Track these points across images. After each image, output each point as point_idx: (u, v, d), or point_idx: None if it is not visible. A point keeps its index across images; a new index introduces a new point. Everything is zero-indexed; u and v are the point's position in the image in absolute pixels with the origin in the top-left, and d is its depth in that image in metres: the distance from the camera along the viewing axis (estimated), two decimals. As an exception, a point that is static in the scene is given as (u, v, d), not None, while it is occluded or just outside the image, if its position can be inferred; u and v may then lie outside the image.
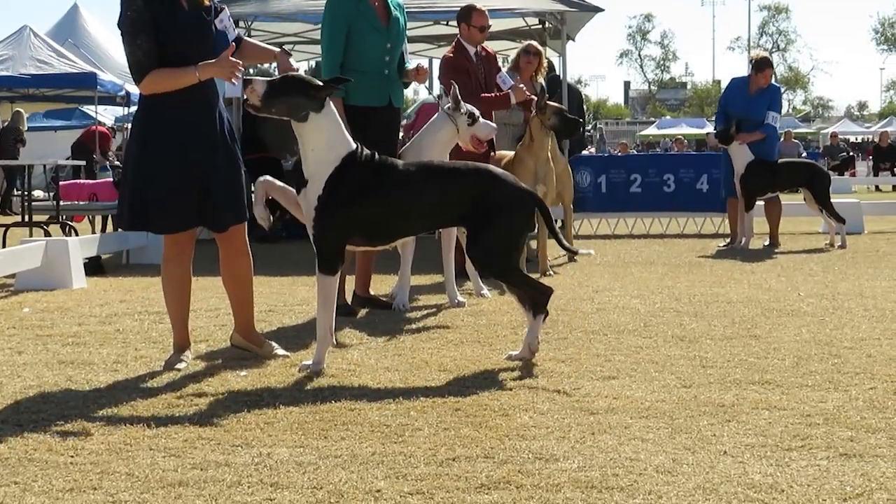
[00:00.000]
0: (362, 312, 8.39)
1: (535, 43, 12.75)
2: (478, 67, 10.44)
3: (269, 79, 6.08)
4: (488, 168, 6.56)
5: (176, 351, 6.54)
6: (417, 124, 16.71)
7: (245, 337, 6.75)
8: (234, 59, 6.22)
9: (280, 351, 6.67)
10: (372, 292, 8.80)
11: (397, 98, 8.72)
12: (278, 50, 6.75)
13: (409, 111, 18.12)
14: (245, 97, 6.10)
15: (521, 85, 10.60)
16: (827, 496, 3.93)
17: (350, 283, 8.59)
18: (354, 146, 6.26)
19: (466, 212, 6.32)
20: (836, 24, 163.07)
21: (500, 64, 11.40)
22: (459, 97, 8.52)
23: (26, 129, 25.53)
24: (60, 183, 15.79)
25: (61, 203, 13.25)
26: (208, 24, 6.35)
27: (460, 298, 8.75)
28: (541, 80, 12.64)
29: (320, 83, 6.17)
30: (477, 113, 8.60)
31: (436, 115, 8.77)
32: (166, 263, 6.68)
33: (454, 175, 6.44)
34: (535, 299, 6.42)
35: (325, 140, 6.17)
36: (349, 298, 8.52)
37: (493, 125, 8.74)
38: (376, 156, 6.31)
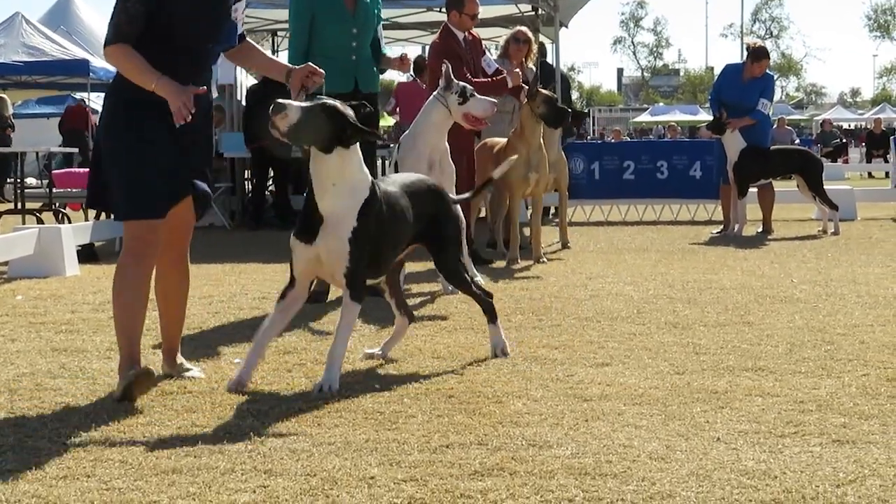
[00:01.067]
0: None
1: (524, 30, 12.71)
2: (466, 52, 10.43)
3: (304, 105, 5.45)
4: (436, 184, 6.32)
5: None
6: (402, 106, 16.73)
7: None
8: (192, 99, 5.46)
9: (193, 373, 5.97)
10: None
11: (364, 82, 8.63)
12: (295, 68, 6.09)
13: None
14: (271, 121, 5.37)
15: (517, 69, 10.62)
16: (820, 482, 3.93)
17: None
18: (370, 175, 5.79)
19: (424, 230, 6.04)
20: (829, 11, 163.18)
21: (485, 49, 11.40)
22: (451, 76, 8.46)
23: (11, 114, 25.41)
24: (55, 172, 15.78)
25: (55, 191, 13.25)
26: (227, 9, 5.72)
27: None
28: (531, 65, 12.63)
29: (357, 123, 5.57)
30: (469, 89, 8.48)
31: (427, 101, 8.73)
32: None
33: (419, 194, 6.04)
34: (486, 307, 6.34)
35: (352, 174, 5.57)
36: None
37: (491, 100, 8.54)
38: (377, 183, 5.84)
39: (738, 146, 13.69)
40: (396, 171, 8.60)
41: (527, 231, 11.98)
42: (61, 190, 14.04)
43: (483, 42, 11.41)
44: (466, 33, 10.56)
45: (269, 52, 10.55)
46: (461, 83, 8.54)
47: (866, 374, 5.69)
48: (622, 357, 6.16)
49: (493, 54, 12.66)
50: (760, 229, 14.10)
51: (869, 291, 8.53)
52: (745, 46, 14.59)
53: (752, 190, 14.19)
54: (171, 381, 5.62)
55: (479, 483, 3.96)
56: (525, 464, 4.17)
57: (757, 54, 14.11)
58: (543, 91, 10.73)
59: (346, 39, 8.48)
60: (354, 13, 8.57)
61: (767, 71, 14.44)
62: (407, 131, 8.96)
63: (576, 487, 3.90)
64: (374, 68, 8.76)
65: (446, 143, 8.68)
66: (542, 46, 16.02)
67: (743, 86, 13.94)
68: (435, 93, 8.61)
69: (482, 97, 8.54)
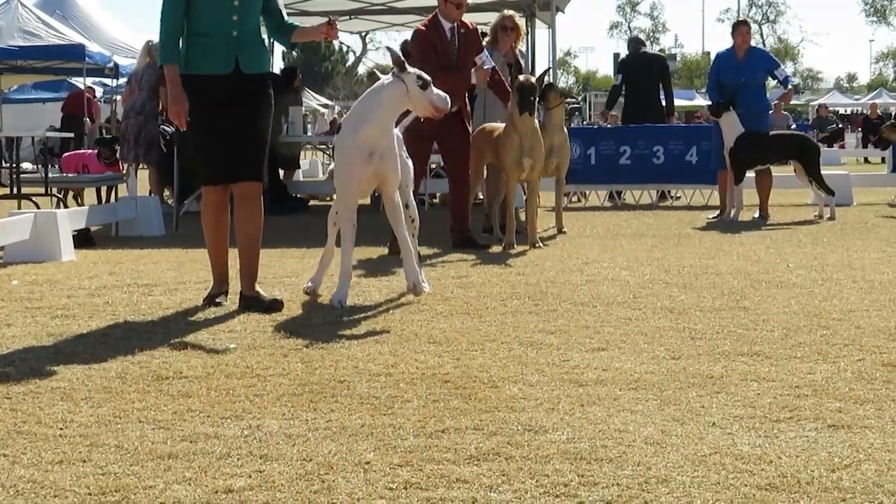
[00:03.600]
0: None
1: (512, 16, 12.50)
2: (451, 44, 10.29)
3: None
4: None
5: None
6: None
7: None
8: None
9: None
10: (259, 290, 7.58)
11: (248, 62, 7.38)
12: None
13: None
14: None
15: (482, 66, 10.49)
16: (815, 467, 3.94)
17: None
18: None
19: None
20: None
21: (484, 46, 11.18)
22: (402, 58, 7.56)
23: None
24: (64, 154, 15.79)
25: (50, 175, 13.24)
26: None
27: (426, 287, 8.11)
28: (521, 48, 12.56)
29: None
30: (427, 78, 7.57)
31: (378, 82, 7.70)
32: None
33: None
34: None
35: None
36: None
37: (444, 96, 7.58)
38: None
39: (735, 131, 13.69)
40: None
41: (523, 216, 11.97)
42: (56, 175, 14.05)
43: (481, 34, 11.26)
44: (458, 24, 10.43)
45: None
46: (415, 70, 7.61)
47: (862, 358, 5.69)
48: (618, 342, 6.16)
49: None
50: (757, 214, 14.11)
51: (865, 276, 8.53)
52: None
53: (749, 175, 14.21)
54: (166, 366, 5.61)
55: (475, 468, 3.97)
56: (521, 448, 4.18)
57: (735, 24, 14.65)
58: (520, 77, 10.67)
59: (226, 12, 7.29)
60: None
61: (755, 46, 14.60)
62: (347, 115, 8.04)
63: (571, 472, 3.90)
64: (263, 46, 7.59)
65: (394, 131, 7.75)
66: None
67: (740, 64, 14.08)
68: (393, 71, 7.58)
69: (439, 91, 7.59)
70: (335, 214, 7.95)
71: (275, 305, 7.31)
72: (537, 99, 10.90)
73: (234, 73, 7.31)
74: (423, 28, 10.35)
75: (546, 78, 11.80)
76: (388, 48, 7.77)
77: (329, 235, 8.07)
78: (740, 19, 15.16)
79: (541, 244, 10.85)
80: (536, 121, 10.92)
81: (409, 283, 7.65)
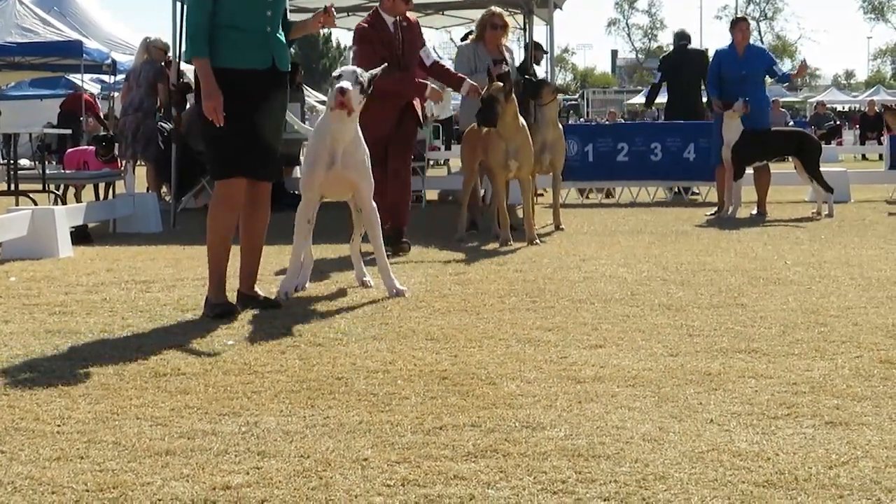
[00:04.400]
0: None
1: (500, 13, 12.32)
2: (395, 38, 10.10)
3: None
4: None
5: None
6: None
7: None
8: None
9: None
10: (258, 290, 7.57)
11: (283, 61, 7.33)
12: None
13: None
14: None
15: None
16: (813, 464, 3.94)
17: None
18: None
19: None
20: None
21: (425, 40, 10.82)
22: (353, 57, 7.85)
23: None
24: (67, 151, 15.76)
25: (48, 172, 13.23)
26: None
27: (367, 278, 8.15)
28: (506, 43, 12.42)
29: None
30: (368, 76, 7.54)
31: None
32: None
33: None
34: None
35: None
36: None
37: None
38: None
39: (738, 128, 13.70)
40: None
41: (520, 213, 11.97)
42: (54, 172, 14.04)
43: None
44: (399, 18, 10.20)
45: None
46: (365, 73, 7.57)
47: (859, 355, 5.69)
48: (616, 339, 6.16)
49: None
50: (755, 211, 14.11)
51: (862, 273, 8.53)
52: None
53: (748, 172, 14.23)
54: (163, 363, 5.61)
55: (473, 465, 3.97)
56: (518, 445, 4.18)
57: (734, 21, 14.65)
58: (488, 88, 10.58)
59: (260, 7, 7.19)
60: None
61: (753, 44, 14.62)
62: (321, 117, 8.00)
63: (569, 469, 3.90)
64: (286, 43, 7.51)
65: (357, 134, 7.69)
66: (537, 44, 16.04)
67: (741, 60, 14.10)
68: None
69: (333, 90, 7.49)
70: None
71: (273, 305, 7.30)
72: (525, 102, 10.88)
73: (270, 69, 7.22)
74: (366, 25, 10.08)
75: (544, 74, 11.76)
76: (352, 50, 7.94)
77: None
78: (739, 16, 15.22)
79: (538, 241, 10.85)
80: (522, 119, 10.87)
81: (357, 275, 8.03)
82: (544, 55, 18.80)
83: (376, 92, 8.13)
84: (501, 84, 10.63)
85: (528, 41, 17.65)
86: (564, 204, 15.01)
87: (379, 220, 7.86)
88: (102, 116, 27.44)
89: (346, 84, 7.32)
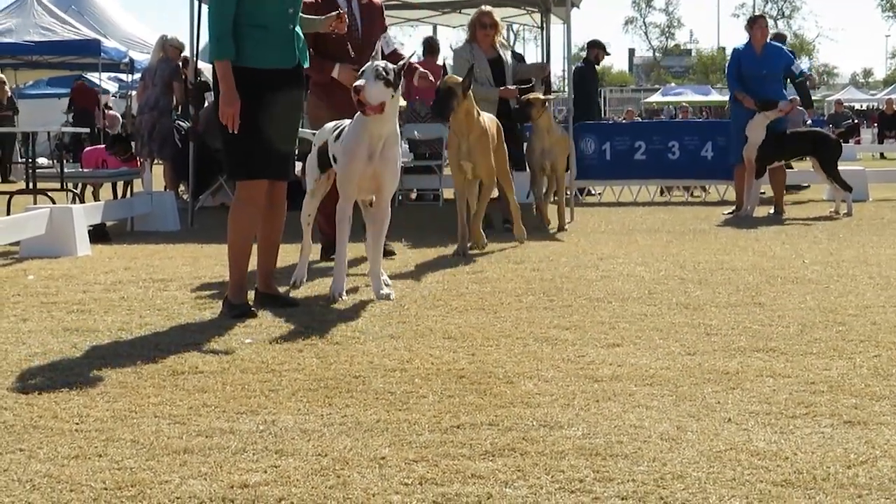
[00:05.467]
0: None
1: (490, 12, 12.01)
2: (353, 18, 9.25)
3: None
4: None
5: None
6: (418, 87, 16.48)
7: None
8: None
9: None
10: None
11: (305, 57, 7.29)
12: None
13: None
14: None
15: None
16: (831, 463, 3.93)
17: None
18: None
19: None
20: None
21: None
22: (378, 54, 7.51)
23: (9, 96, 25.30)
24: (85, 149, 15.80)
25: (66, 171, 13.26)
26: None
27: (385, 291, 7.67)
28: (500, 40, 12.23)
29: None
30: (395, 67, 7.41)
31: None
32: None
33: None
34: None
35: None
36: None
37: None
38: None
39: (763, 128, 13.70)
40: (330, 159, 7.88)
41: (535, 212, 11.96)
42: (72, 171, 14.08)
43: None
44: None
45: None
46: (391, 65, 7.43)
47: (878, 355, 5.68)
48: (633, 338, 6.16)
49: (510, 36, 12.40)
50: (773, 210, 14.08)
51: (881, 272, 8.51)
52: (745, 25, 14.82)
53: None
54: (181, 362, 5.62)
55: (490, 463, 3.97)
56: (536, 444, 4.17)
57: (752, 19, 14.63)
58: (445, 79, 10.09)
59: (282, 4, 7.08)
60: None
61: (771, 42, 14.62)
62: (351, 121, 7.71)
63: (587, 468, 3.90)
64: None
65: (395, 130, 7.59)
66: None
67: (759, 58, 14.11)
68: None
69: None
70: (308, 216, 8.30)
71: (291, 303, 7.32)
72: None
73: (296, 67, 7.18)
74: (315, 1, 8.96)
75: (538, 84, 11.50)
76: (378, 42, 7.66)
77: (304, 233, 8.30)
78: (757, 14, 15.18)
79: (471, 249, 10.20)
80: (486, 118, 10.21)
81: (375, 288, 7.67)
82: (606, 56, 18.79)
83: (334, 82, 8.14)
84: (460, 78, 9.96)
85: (543, 41, 17.66)
86: (581, 203, 15.00)
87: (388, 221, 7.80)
88: (120, 115, 27.52)
89: (360, 82, 7.17)
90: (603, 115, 60.38)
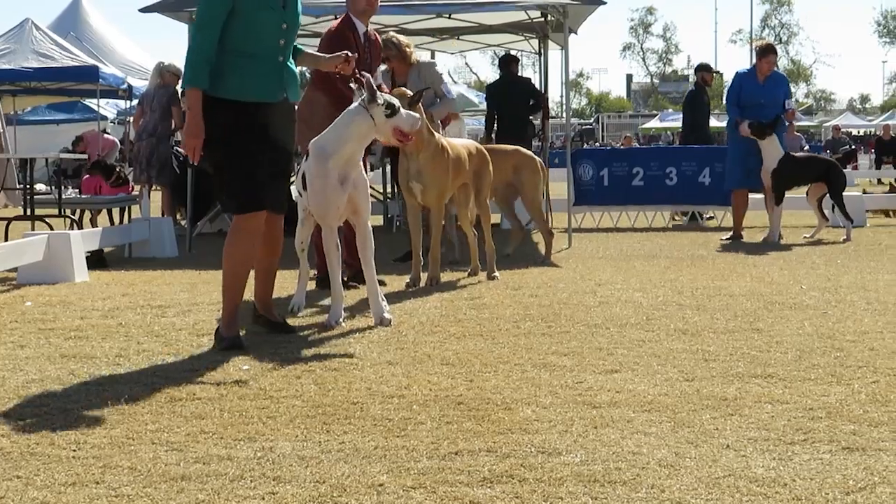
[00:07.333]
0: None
1: (389, 42, 11.02)
2: (363, 48, 9.22)
3: None
4: None
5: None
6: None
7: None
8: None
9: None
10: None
11: (293, 91, 7.06)
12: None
13: None
14: None
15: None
16: (830, 490, 3.92)
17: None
18: None
19: None
20: (839, 17, 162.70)
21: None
22: (375, 87, 7.46)
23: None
24: (85, 177, 15.81)
25: (63, 196, 13.28)
26: None
27: (387, 315, 7.59)
28: (416, 59, 11.30)
29: None
30: (397, 103, 7.51)
31: (347, 109, 7.56)
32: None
33: None
34: None
35: None
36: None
37: (416, 115, 7.65)
38: None
39: (778, 153, 13.75)
40: (303, 182, 7.80)
41: (535, 238, 11.94)
42: (70, 197, 14.09)
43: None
44: (366, 31, 9.38)
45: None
46: (386, 96, 7.56)
47: (876, 381, 5.68)
48: (631, 364, 6.15)
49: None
50: (766, 236, 14.08)
51: (878, 298, 8.51)
52: (755, 48, 14.89)
53: (758, 197, 14.33)
54: (179, 388, 5.61)
55: (489, 490, 3.96)
56: (534, 471, 4.17)
57: (763, 50, 14.65)
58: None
59: (274, 33, 6.83)
60: (285, 2, 6.90)
61: (777, 70, 14.67)
62: (317, 139, 7.65)
63: (585, 495, 3.89)
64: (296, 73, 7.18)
65: (361, 159, 7.69)
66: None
67: (760, 85, 14.17)
68: (358, 100, 7.49)
69: (407, 112, 7.57)
70: (300, 243, 8.23)
71: (287, 330, 7.28)
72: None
73: (283, 101, 6.96)
74: (335, 29, 9.12)
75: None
76: (358, 77, 7.47)
77: (301, 261, 8.26)
78: (768, 44, 15.17)
79: (489, 271, 10.10)
80: (447, 142, 9.75)
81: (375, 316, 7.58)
82: (715, 75, 18.86)
83: (333, 97, 8.32)
84: (411, 92, 9.46)
85: (542, 67, 17.69)
86: (578, 228, 15.00)
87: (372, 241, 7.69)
88: (118, 141, 27.55)
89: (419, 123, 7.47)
90: (601, 140, 60.53)
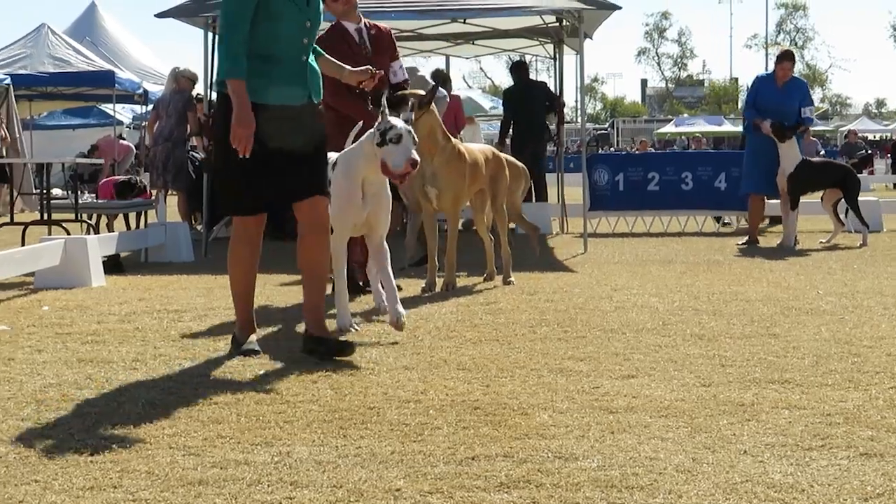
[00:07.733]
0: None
1: None
2: (362, 48, 8.98)
3: None
4: None
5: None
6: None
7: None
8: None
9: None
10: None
11: (316, 90, 6.78)
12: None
13: None
14: None
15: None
16: (847, 496, 3.91)
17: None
18: None
19: None
20: (854, 21, 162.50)
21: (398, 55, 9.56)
22: (385, 107, 7.18)
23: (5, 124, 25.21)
24: (101, 181, 15.85)
25: (80, 201, 13.31)
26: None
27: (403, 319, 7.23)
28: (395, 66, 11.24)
29: None
30: (398, 129, 7.01)
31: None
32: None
33: None
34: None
35: None
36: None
37: (412, 154, 6.96)
38: None
39: (796, 158, 13.75)
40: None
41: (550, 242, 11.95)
42: (88, 200, 14.12)
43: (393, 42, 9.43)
44: (368, 25, 9.14)
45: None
46: (394, 119, 7.16)
47: (893, 386, 5.67)
48: (648, 369, 6.15)
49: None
50: (781, 241, 14.06)
51: (895, 303, 8.49)
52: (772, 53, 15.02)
53: (774, 202, 14.33)
54: (196, 392, 5.62)
55: (505, 495, 3.96)
56: (551, 476, 4.16)
57: (779, 56, 14.82)
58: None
59: (297, 32, 6.62)
60: (308, 1, 6.67)
61: (798, 76, 14.69)
62: (344, 151, 7.51)
63: (602, 500, 3.89)
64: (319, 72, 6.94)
65: (383, 178, 7.27)
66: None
67: (779, 90, 14.23)
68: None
69: (402, 146, 6.97)
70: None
71: (346, 348, 6.63)
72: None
73: (307, 103, 6.71)
74: (324, 35, 8.44)
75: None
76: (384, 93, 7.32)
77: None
78: (786, 50, 15.23)
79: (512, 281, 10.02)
80: (465, 147, 9.75)
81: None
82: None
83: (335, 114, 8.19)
84: (423, 92, 9.32)
85: (557, 71, 17.70)
86: (594, 233, 14.99)
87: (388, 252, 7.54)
88: (134, 146, 27.61)
89: (417, 157, 7.02)
90: (616, 145, 60.48)
